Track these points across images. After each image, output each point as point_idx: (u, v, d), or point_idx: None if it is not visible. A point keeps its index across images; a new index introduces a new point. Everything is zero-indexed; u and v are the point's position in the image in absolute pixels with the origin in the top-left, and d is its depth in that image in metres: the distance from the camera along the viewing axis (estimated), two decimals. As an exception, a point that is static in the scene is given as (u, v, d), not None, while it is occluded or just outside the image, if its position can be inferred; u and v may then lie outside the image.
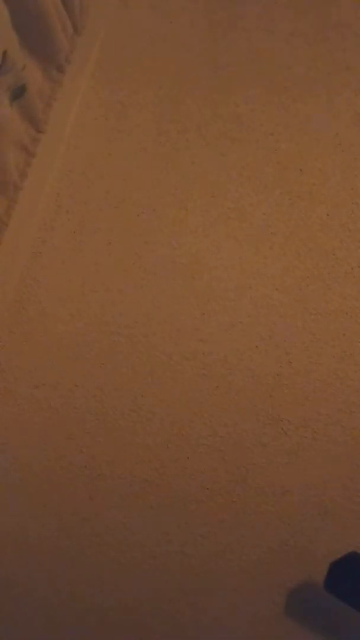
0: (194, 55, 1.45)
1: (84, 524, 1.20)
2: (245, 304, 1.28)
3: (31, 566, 1.19)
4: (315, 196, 1.34)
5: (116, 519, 1.20)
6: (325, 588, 1.06)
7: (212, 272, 1.30)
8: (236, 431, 1.22)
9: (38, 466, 1.23)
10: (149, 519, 1.19)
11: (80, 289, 1.31)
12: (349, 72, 1.41)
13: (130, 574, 1.18)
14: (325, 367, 1.24)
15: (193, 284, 1.30)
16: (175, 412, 1.24)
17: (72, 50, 1.42)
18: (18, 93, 1.26)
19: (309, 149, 1.37)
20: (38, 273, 1.32)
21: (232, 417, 1.22)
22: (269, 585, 1.15)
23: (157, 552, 1.18)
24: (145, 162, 1.38)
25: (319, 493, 1.18)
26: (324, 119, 1.38)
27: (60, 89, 1.39)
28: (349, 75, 1.41)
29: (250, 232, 1.32)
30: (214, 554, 1.17)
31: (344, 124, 1.37)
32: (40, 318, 1.30)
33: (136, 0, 1.51)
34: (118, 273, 1.32)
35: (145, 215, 1.35)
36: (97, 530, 1.19)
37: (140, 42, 1.48)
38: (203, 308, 1.28)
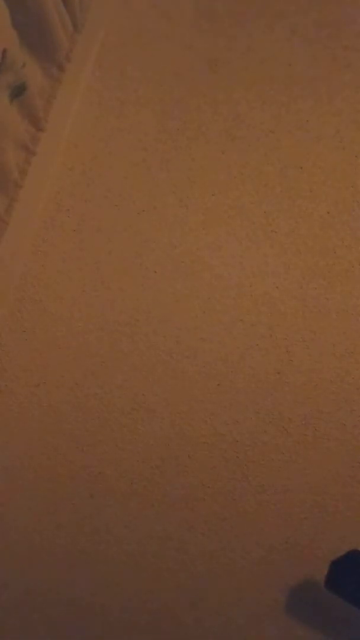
0: (194, 53, 1.45)
1: (85, 522, 1.20)
2: (246, 302, 1.28)
3: (32, 564, 1.19)
4: (315, 194, 1.33)
5: (117, 517, 1.20)
6: (326, 586, 1.06)
7: (213, 270, 1.30)
8: (237, 429, 1.22)
9: (39, 465, 1.23)
10: (149, 517, 1.19)
11: (81, 287, 1.31)
12: (350, 69, 1.41)
13: (131, 572, 1.18)
14: (326, 365, 1.24)
15: (193, 282, 1.30)
16: (175, 411, 1.24)
17: (72, 49, 1.41)
18: (18, 91, 1.25)
19: (310, 147, 1.36)
20: (38, 271, 1.33)
21: (232, 416, 1.22)
22: (269, 584, 1.15)
23: (157, 551, 1.18)
24: (145, 161, 1.38)
25: (320, 491, 1.18)
26: (325, 116, 1.38)
27: (61, 87, 1.39)
28: (349, 73, 1.41)
29: (250, 230, 1.32)
30: (214, 552, 1.17)
31: (345, 122, 1.37)
32: (40, 317, 1.30)
33: (136, -2, 1.51)
34: (118, 271, 1.32)
35: (146, 214, 1.35)
36: (97, 528, 1.20)
37: (140, 40, 1.48)
38: (204, 306, 1.28)
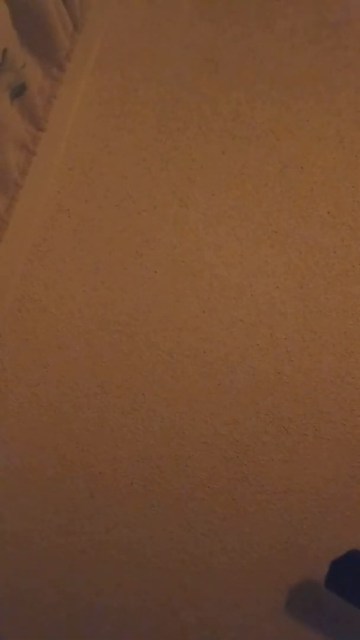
0: (195, 53, 1.45)
1: (85, 522, 1.20)
2: (246, 302, 1.28)
3: (32, 564, 1.19)
4: (316, 194, 1.33)
5: (117, 517, 1.20)
6: (326, 586, 1.06)
7: (213, 270, 1.30)
8: (237, 429, 1.22)
9: (39, 464, 1.23)
10: (149, 517, 1.19)
11: (81, 287, 1.31)
12: (350, 69, 1.41)
13: (131, 572, 1.18)
14: (326, 365, 1.24)
15: (194, 282, 1.30)
16: (176, 411, 1.24)
17: (72, 48, 1.41)
18: (18, 91, 1.25)
19: (310, 147, 1.36)
20: (38, 271, 1.33)
21: (232, 415, 1.22)
22: (269, 583, 1.15)
23: (157, 551, 1.18)
24: (145, 160, 1.38)
25: (320, 491, 1.18)
26: (325, 116, 1.38)
27: (61, 87, 1.39)
28: (350, 72, 1.41)
29: (251, 230, 1.32)
30: (214, 552, 1.17)
31: (345, 122, 1.37)
32: (40, 316, 1.30)
33: (137, -2, 1.51)
34: (119, 271, 1.32)
35: (146, 214, 1.35)
36: (98, 528, 1.19)
37: (140, 40, 1.48)
38: (204, 306, 1.28)
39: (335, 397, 1.22)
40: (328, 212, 1.32)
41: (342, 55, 1.42)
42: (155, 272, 1.31)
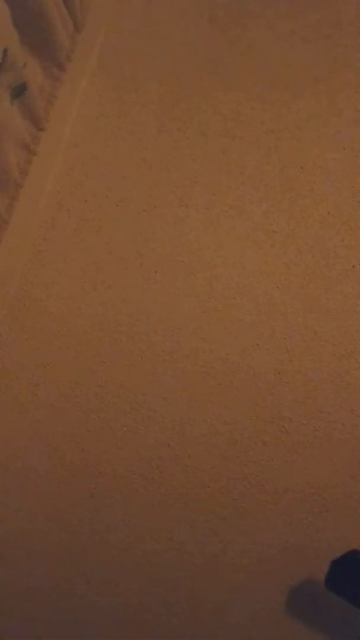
0: (195, 53, 1.45)
1: (85, 522, 1.20)
2: (246, 301, 1.28)
3: (32, 564, 1.19)
4: (316, 194, 1.33)
5: (117, 517, 1.20)
6: (326, 586, 1.05)
7: (213, 270, 1.30)
8: (237, 429, 1.22)
9: (39, 464, 1.23)
10: (149, 517, 1.19)
11: (81, 286, 1.31)
12: (350, 69, 1.41)
13: (131, 572, 1.18)
14: (326, 365, 1.24)
15: (194, 282, 1.30)
16: (176, 410, 1.24)
17: (72, 48, 1.42)
18: (19, 91, 1.26)
19: (310, 147, 1.37)
20: (39, 271, 1.33)
21: (232, 415, 1.22)
22: (269, 583, 1.15)
23: (157, 550, 1.18)
24: (146, 160, 1.38)
25: (320, 491, 1.18)
26: (325, 116, 1.38)
27: (61, 86, 1.39)
28: (350, 72, 1.41)
29: (251, 229, 1.32)
30: (214, 552, 1.17)
31: (345, 122, 1.37)
32: (41, 316, 1.30)
33: (137, -2, 1.51)
34: (119, 271, 1.32)
35: (146, 213, 1.35)
36: (98, 528, 1.19)
37: (140, 40, 1.48)
38: (204, 306, 1.28)
39: (334, 397, 1.22)
40: (328, 212, 1.32)
41: (342, 55, 1.42)
42: (155, 272, 1.31)
